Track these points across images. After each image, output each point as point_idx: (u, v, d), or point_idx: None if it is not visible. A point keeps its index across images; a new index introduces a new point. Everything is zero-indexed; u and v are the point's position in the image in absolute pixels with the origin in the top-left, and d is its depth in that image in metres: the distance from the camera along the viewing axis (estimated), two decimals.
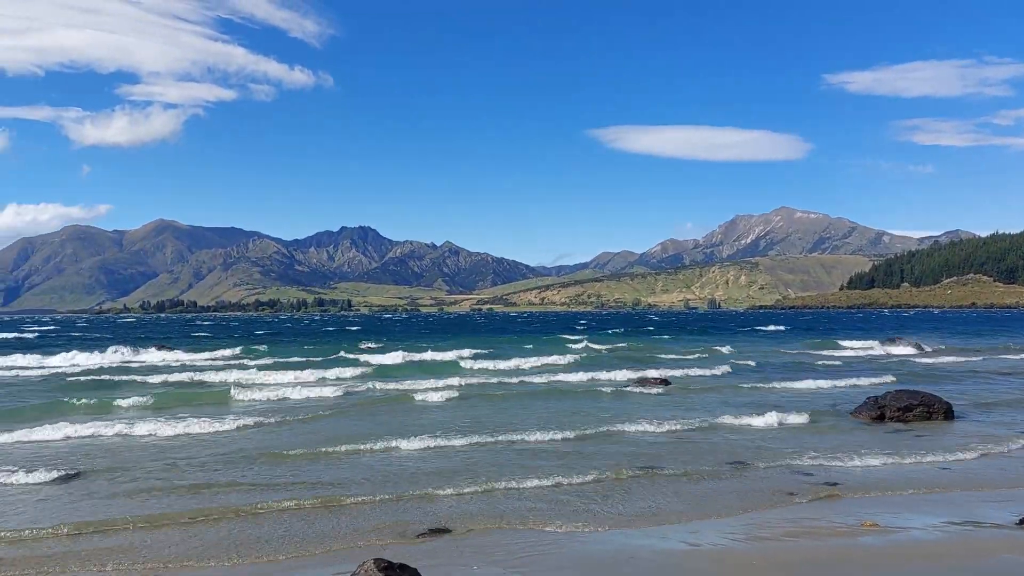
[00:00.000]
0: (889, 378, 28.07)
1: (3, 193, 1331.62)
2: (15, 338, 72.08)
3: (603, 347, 49.65)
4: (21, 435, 16.09)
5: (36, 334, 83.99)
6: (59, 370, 33.58)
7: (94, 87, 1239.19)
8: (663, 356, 41.51)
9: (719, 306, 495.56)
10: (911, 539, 9.69)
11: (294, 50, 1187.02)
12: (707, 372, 30.68)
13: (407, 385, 25.66)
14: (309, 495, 11.42)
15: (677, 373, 29.31)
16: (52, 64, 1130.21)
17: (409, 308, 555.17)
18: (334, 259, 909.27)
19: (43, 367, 34.93)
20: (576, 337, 63.50)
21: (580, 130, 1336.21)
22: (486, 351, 42.85)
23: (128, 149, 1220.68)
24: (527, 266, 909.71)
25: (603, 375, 29.00)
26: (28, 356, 38.31)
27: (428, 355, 39.39)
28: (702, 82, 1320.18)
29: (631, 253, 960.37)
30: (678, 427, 17.43)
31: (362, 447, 14.85)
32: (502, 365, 34.25)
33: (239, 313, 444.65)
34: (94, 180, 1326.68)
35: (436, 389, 24.10)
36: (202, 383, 27.16)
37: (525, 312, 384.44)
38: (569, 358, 38.13)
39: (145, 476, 12.69)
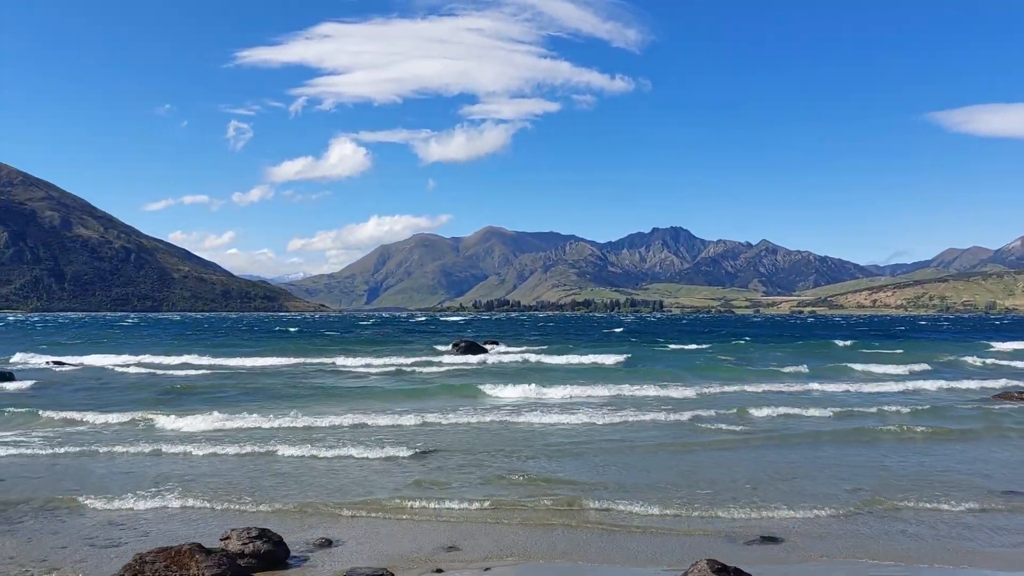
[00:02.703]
0: None
1: (368, 207, 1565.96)
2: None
3: None
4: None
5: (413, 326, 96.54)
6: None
7: (441, 110, 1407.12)
8: None
9: None
10: None
11: (615, 59, 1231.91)
12: None
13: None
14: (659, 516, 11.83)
15: None
16: (408, 92, 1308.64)
17: (722, 310, 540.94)
18: (646, 260, 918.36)
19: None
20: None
21: (919, 114, 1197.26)
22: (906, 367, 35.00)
23: (465, 163, 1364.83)
24: (855, 265, 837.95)
25: None
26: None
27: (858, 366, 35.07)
28: None
29: (983, 249, 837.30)
30: None
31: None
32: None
33: (556, 312, 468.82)
34: (437, 193, 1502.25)
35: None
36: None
37: (857, 316, 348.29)
38: None
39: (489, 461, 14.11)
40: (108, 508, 10.67)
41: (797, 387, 27.13)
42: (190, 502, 11.04)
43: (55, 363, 36.36)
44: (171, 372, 33.70)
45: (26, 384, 27.05)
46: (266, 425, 17.70)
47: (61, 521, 10.04)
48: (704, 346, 54.71)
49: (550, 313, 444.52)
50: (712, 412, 20.00)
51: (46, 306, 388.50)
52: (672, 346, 55.76)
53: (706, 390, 25.45)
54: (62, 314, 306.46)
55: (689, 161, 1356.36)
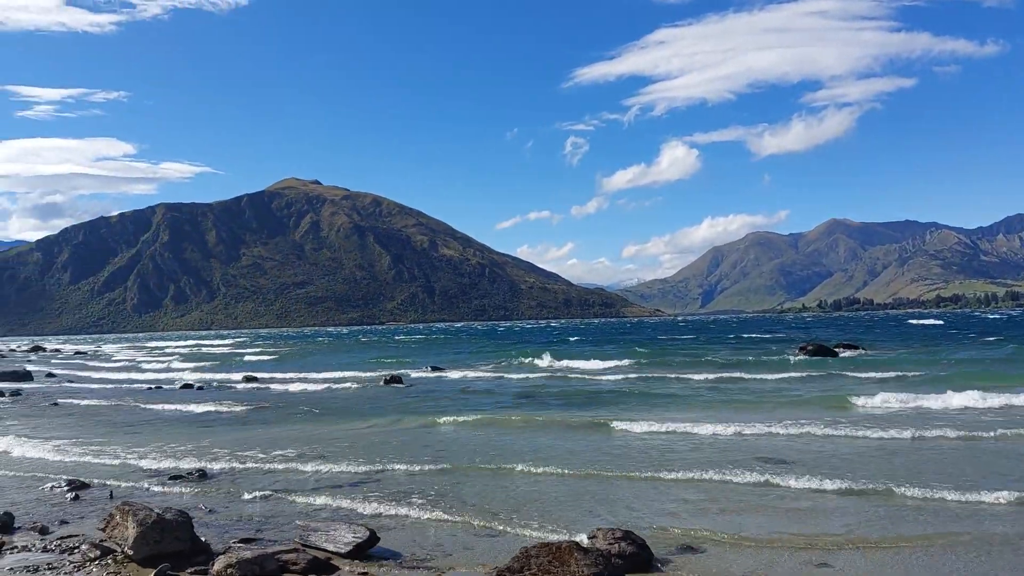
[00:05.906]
0: None
1: (700, 208, 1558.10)
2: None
3: None
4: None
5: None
6: None
7: (777, 101, 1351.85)
8: None
9: None
10: None
11: (986, 21, 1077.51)
12: None
13: None
14: None
15: None
16: (742, 87, 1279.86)
17: None
18: None
19: None
20: None
21: None
22: None
23: (803, 154, 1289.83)
24: None
25: None
26: None
27: None
28: None
29: None
30: None
31: None
32: None
33: (920, 309, 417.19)
34: (773, 188, 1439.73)
35: None
36: None
37: None
38: None
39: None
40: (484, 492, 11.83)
41: None
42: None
43: (433, 368, 41.38)
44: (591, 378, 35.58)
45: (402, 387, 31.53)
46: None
47: (450, 508, 11.28)
48: None
49: (919, 311, 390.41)
50: None
51: (421, 318, 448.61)
52: None
53: None
54: (434, 324, 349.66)
55: None
